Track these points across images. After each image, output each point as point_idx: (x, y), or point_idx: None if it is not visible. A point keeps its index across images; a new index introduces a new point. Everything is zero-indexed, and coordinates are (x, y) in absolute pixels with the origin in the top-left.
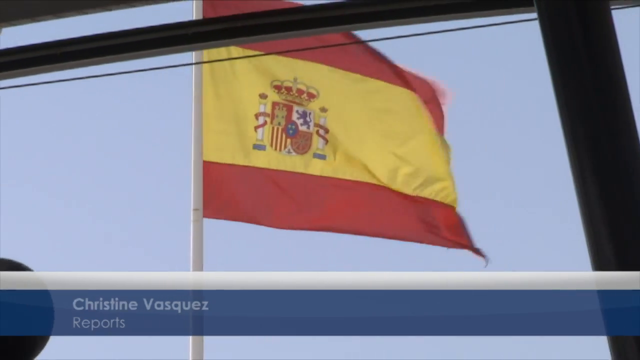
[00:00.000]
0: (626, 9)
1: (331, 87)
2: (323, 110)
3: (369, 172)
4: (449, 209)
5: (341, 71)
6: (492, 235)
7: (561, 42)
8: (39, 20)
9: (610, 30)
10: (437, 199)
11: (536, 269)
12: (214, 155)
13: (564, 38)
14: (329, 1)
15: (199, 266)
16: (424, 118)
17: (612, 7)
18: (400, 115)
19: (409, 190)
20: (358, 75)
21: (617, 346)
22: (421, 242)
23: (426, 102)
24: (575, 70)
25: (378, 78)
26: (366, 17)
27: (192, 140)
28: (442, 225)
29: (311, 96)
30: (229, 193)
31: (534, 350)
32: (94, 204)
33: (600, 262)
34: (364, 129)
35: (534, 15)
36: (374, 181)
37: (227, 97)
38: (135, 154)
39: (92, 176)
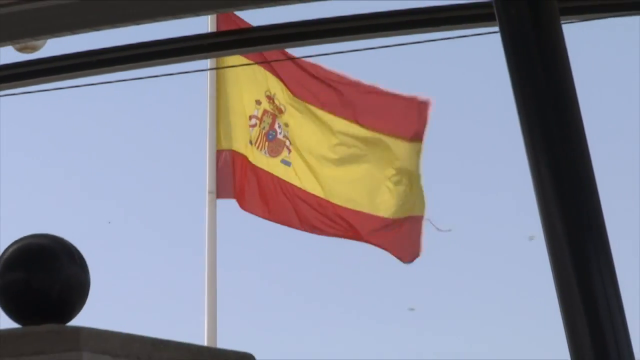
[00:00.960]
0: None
1: (291, 106)
2: (286, 125)
3: (322, 187)
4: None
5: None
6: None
7: (519, 51)
8: (77, 33)
9: (560, 41)
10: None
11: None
12: (225, 145)
13: (521, 48)
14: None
15: (212, 242)
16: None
17: (563, 22)
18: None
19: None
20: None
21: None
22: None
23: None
24: (530, 74)
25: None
26: (349, 31)
27: (207, 131)
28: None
29: (280, 111)
30: (238, 182)
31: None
32: (118, 190)
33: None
34: (318, 147)
35: (497, 28)
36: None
37: (234, 97)
38: (157, 144)
39: (120, 164)
